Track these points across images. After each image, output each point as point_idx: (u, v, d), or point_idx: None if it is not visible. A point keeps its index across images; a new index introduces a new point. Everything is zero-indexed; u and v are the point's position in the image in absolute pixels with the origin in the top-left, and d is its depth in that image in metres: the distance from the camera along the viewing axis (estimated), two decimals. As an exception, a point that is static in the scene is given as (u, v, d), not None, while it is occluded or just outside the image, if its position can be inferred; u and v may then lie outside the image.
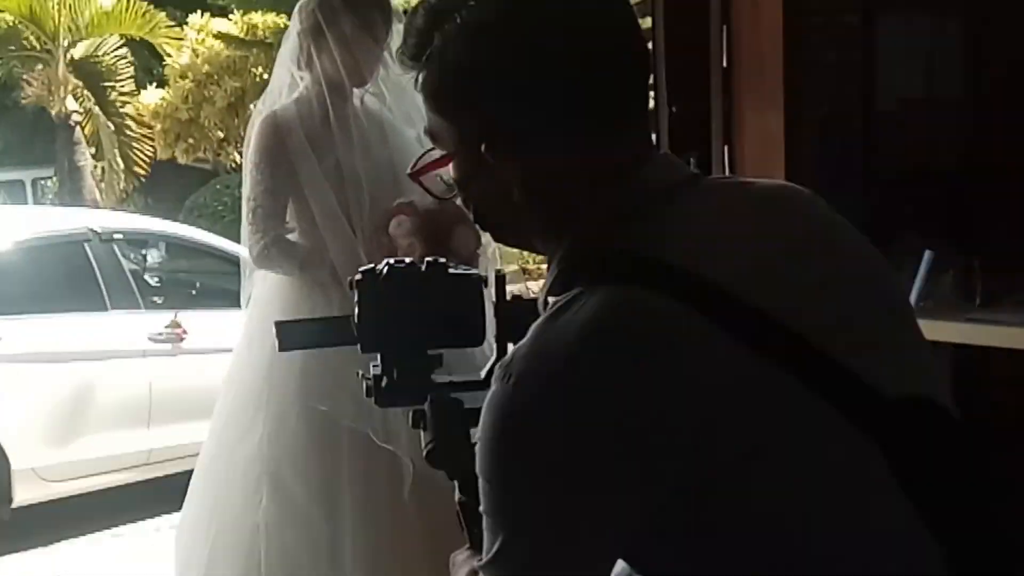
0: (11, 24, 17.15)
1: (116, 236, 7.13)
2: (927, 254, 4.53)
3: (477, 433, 1.23)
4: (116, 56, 17.37)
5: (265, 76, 16.10)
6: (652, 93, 5.14)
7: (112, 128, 17.17)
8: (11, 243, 6.72)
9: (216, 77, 16.87)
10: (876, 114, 4.95)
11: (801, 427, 1.17)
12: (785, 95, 4.59)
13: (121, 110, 17.31)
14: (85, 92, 17.22)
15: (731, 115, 4.75)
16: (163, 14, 17.24)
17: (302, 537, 3.20)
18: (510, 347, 1.24)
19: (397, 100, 3.38)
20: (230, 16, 17.06)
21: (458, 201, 3.15)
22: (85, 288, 6.81)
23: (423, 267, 1.60)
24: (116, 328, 6.80)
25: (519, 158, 1.27)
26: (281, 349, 1.98)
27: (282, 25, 15.69)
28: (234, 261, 7.07)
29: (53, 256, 6.86)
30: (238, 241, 6.75)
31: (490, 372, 1.33)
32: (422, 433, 1.54)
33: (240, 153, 16.61)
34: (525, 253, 12.93)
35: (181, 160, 17.62)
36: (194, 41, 17.10)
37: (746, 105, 4.73)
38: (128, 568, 6.08)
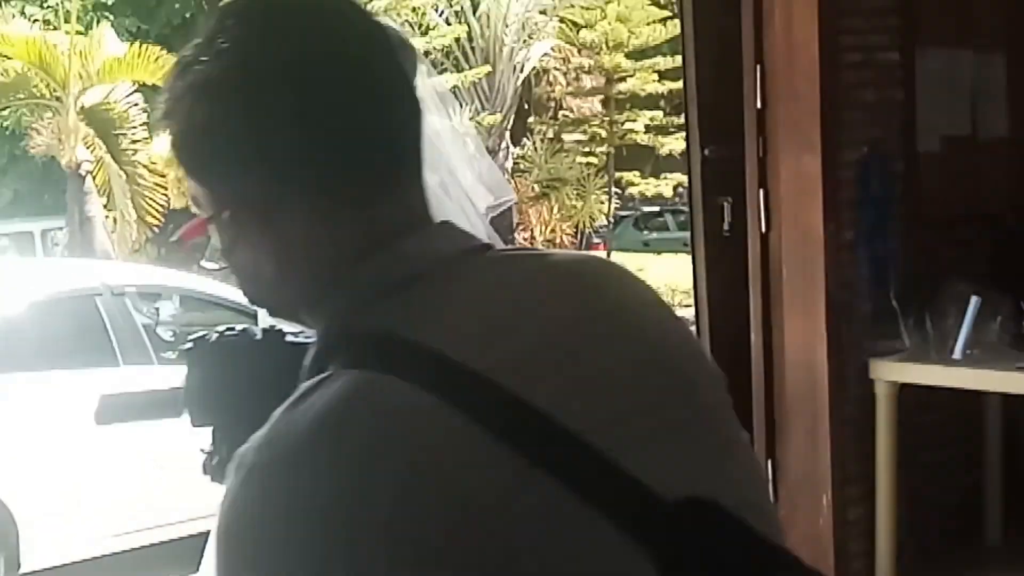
0: (20, 71, 17.14)
1: (128, 289, 7.05)
2: (973, 300, 4.44)
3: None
4: (128, 103, 17.37)
5: (279, 123, 16.12)
6: (685, 135, 5.07)
7: (124, 177, 17.13)
8: (21, 298, 6.64)
9: (230, 124, 16.88)
10: (917, 155, 4.87)
11: (564, 535, 1.04)
12: (822, 136, 4.55)
13: (133, 158, 17.29)
14: (96, 140, 17.19)
15: (766, 158, 4.70)
16: (175, 59, 17.23)
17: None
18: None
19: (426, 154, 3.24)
20: (244, 62, 17.08)
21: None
22: (96, 343, 6.73)
23: (258, 334, 1.49)
24: (128, 383, 6.66)
25: (266, 227, 1.17)
26: (98, 422, 1.83)
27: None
28: (249, 314, 6.99)
29: (63, 311, 6.78)
30: (253, 293, 6.76)
31: None
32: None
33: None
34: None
35: (195, 209, 17.57)
36: (207, 87, 17.12)
37: (781, 147, 4.67)
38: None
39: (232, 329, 1.52)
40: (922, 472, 4.70)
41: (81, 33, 17.61)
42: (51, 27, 18.47)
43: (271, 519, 1.05)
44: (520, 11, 18.36)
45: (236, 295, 7.73)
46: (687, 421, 1.15)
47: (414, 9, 16.65)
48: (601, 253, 19.04)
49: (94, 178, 17.18)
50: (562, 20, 19.09)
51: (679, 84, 13.33)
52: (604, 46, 18.43)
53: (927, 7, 4.81)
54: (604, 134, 19.05)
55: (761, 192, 4.68)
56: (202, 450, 1.51)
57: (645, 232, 24.63)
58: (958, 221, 4.88)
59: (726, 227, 4.84)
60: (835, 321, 4.57)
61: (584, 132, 19.54)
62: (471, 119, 13.28)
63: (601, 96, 19.71)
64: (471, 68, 17.40)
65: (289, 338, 1.49)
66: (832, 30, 4.53)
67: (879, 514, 4.59)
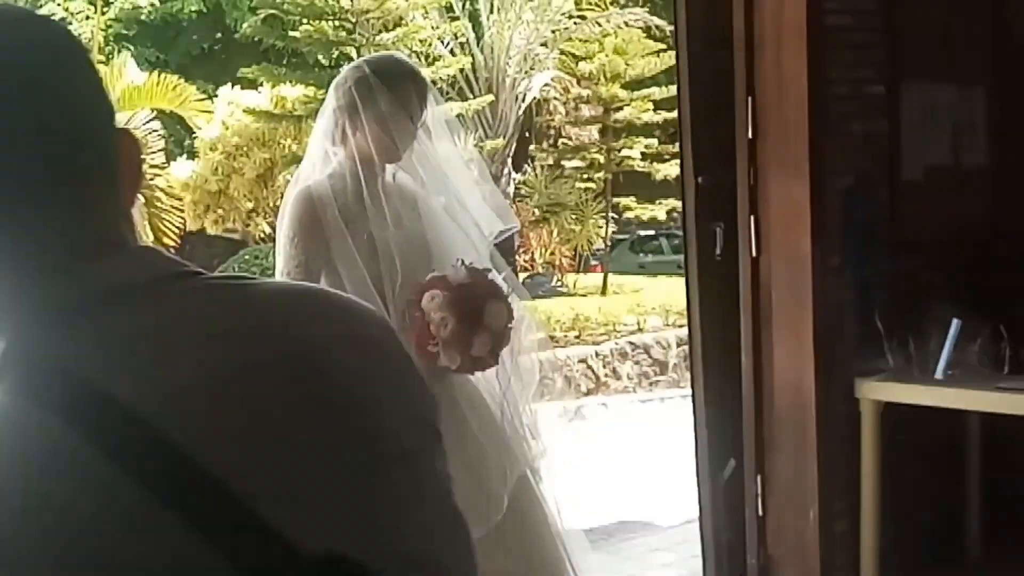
0: (42, 99, 17.22)
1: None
2: (955, 323, 4.51)
3: None
4: (147, 129, 17.47)
5: (294, 148, 16.22)
6: (679, 163, 5.15)
7: (142, 200, 17.21)
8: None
9: (245, 149, 16.93)
10: (902, 183, 4.94)
11: None
12: (811, 165, 4.63)
13: (151, 182, 17.37)
14: (117, 166, 17.24)
15: (757, 185, 4.76)
16: (193, 87, 17.34)
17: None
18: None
19: (429, 175, 3.40)
20: (259, 89, 17.18)
21: (491, 276, 3.20)
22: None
23: None
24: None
25: None
26: None
27: (311, 97, 15.80)
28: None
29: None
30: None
31: None
32: None
33: (269, 224, 16.68)
34: (552, 322, 13.14)
35: (211, 231, 17.71)
36: (224, 114, 17.19)
37: (772, 175, 4.74)
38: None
39: None
40: (905, 488, 4.74)
41: (103, 63, 17.76)
42: (74, 56, 18.60)
43: None
44: (522, 43, 18.48)
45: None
46: (351, 472, 1.08)
47: (421, 41, 16.79)
48: (599, 275, 19.12)
49: (114, 201, 17.24)
50: (562, 52, 19.18)
51: (673, 113, 13.42)
52: (602, 77, 18.54)
53: (911, 42, 4.89)
54: (602, 161, 19.13)
55: (752, 218, 4.75)
56: None
57: (641, 255, 24.64)
58: (940, 247, 4.95)
59: (718, 251, 4.89)
60: (822, 342, 4.63)
61: (583, 159, 19.64)
62: (475, 146, 13.39)
63: (599, 124, 19.79)
64: (475, 97, 17.52)
65: None
66: (820, 64, 4.61)
67: (863, 528, 4.65)
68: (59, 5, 20.48)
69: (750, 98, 4.74)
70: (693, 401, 5.11)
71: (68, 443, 1.00)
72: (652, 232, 24.62)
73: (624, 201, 20.12)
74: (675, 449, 7.65)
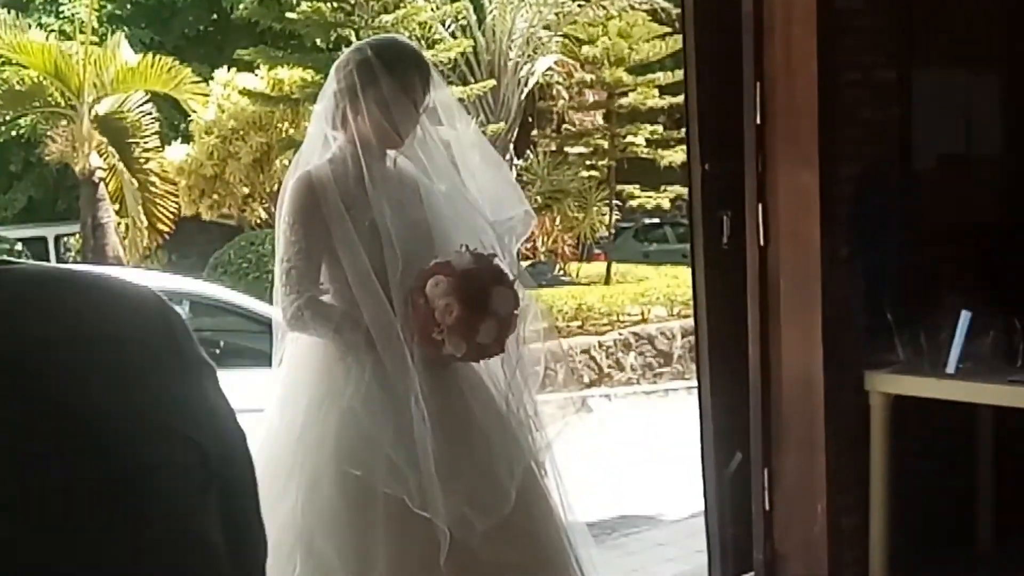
0: (35, 80, 17.20)
1: (138, 295, 7.04)
2: (964, 315, 4.46)
3: None
4: (141, 112, 17.40)
5: (291, 132, 16.16)
6: (686, 149, 5.09)
7: (136, 184, 17.17)
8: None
9: (242, 133, 16.85)
10: (913, 172, 4.90)
11: None
12: (820, 152, 4.57)
13: (145, 166, 17.32)
14: (109, 148, 17.22)
15: (765, 173, 4.71)
16: (189, 70, 17.23)
17: (336, 605, 3.12)
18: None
19: (432, 160, 3.33)
20: (256, 72, 17.08)
21: (496, 262, 3.14)
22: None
23: None
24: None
25: None
26: None
27: (308, 80, 15.72)
28: (259, 320, 7.02)
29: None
30: (263, 299, 6.79)
31: None
32: None
33: (265, 209, 16.69)
34: (555, 311, 13.09)
35: (206, 216, 17.62)
36: (220, 97, 17.09)
37: (780, 163, 4.69)
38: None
39: None
40: (915, 482, 4.71)
41: (96, 43, 17.69)
42: (66, 37, 18.55)
43: None
44: (524, 26, 18.41)
45: (245, 300, 7.81)
46: (77, 491, 0.99)
47: (421, 24, 16.71)
48: (602, 264, 19.07)
49: (107, 185, 17.22)
50: (565, 36, 19.12)
51: (679, 98, 13.40)
52: (606, 61, 18.47)
53: (923, 27, 4.84)
54: (606, 147, 19.07)
55: (760, 206, 4.69)
56: None
57: (645, 244, 24.63)
58: (952, 237, 4.90)
59: (725, 240, 4.86)
60: (831, 334, 4.59)
61: (586, 145, 19.56)
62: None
63: (603, 110, 19.75)
64: (476, 81, 17.46)
65: None
66: (831, 49, 4.55)
67: (872, 523, 4.62)
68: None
69: (758, 83, 4.68)
70: (699, 393, 5.08)
71: None
72: (657, 220, 24.57)
73: (628, 188, 20.07)
74: (680, 442, 7.64)
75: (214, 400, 1.16)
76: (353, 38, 15.65)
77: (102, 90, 16.95)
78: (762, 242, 4.71)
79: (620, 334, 13.76)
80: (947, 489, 4.96)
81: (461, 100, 15.10)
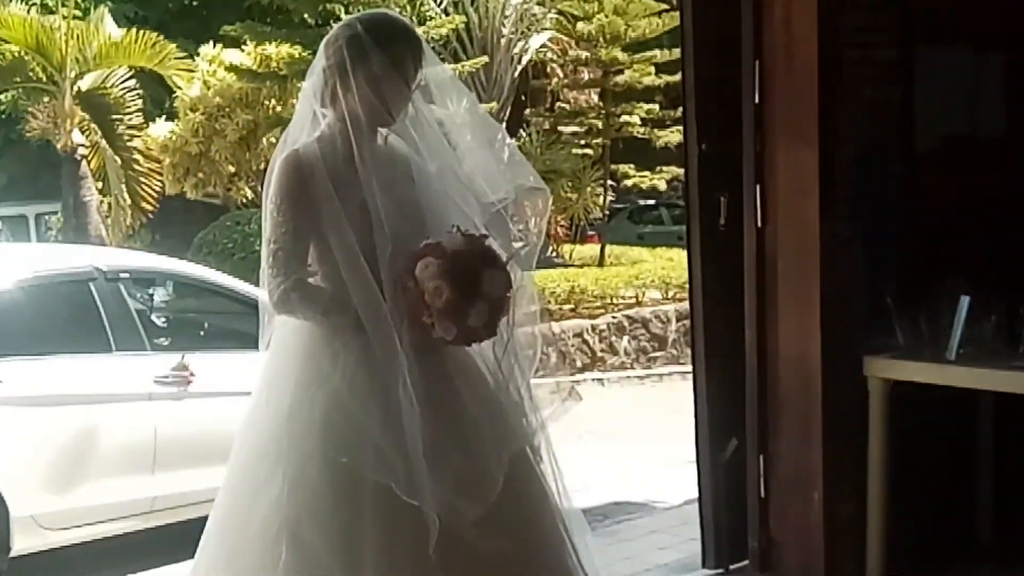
0: (17, 55, 17.07)
1: (122, 275, 6.98)
2: (964, 300, 4.42)
3: None
4: (124, 88, 17.29)
5: (278, 109, 16.05)
6: (683, 129, 5.04)
7: (119, 162, 17.08)
8: (13, 282, 6.57)
9: (228, 110, 16.72)
10: (915, 153, 4.85)
11: None
12: (820, 133, 4.54)
13: (129, 144, 17.21)
14: (92, 125, 17.14)
15: (763, 154, 4.69)
16: (174, 45, 17.09)
17: (323, 592, 3.09)
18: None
19: (424, 139, 3.25)
20: (243, 47, 16.96)
21: (488, 243, 3.06)
22: (89, 328, 6.66)
23: None
24: (121, 370, 6.64)
25: None
26: None
27: (296, 56, 15.59)
28: (244, 301, 6.97)
29: (57, 295, 6.72)
30: (248, 280, 6.73)
31: None
32: None
33: (252, 188, 16.56)
34: (548, 294, 13.04)
35: (190, 195, 17.50)
36: (205, 73, 16.97)
37: (779, 143, 4.66)
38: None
39: None
40: (914, 470, 4.67)
41: (79, 18, 17.55)
42: (48, 11, 18.42)
43: None
44: (518, 3, 18.33)
45: (230, 281, 7.76)
46: None
47: (411, 0, 16.60)
48: (596, 246, 19.01)
49: (89, 163, 17.12)
50: (560, 12, 19.04)
51: (676, 77, 13.27)
52: (601, 38, 18.36)
53: (926, 5, 4.78)
54: (600, 126, 18.97)
55: (758, 187, 4.67)
56: None
57: (640, 225, 24.59)
58: (954, 220, 4.85)
59: (722, 222, 4.83)
60: (830, 317, 4.56)
61: (580, 124, 19.46)
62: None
63: (598, 88, 19.66)
64: (468, 58, 17.36)
65: None
66: (831, 27, 4.51)
67: (870, 511, 4.58)
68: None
69: (757, 62, 4.67)
70: (694, 378, 5.05)
71: None
72: (652, 201, 24.55)
73: (623, 168, 20.01)
74: (674, 427, 7.61)
75: None
76: (342, 13, 15.53)
77: (85, 65, 16.83)
78: (760, 224, 4.68)
79: (614, 317, 13.71)
80: (947, 476, 4.94)
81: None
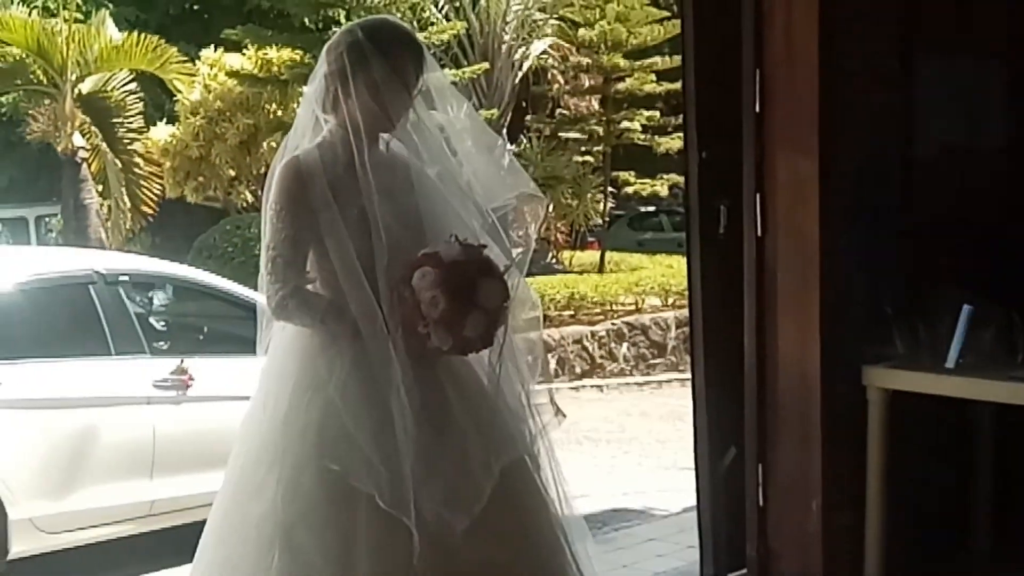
0: (18, 58, 17.06)
1: (122, 278, 6.98)
2: (966, 309, 4.41)
3: None
4: (125, 91, 17.28)
5: (279, 113, 16.04)
6: (683, 136, 5.04)
7: (119, 165, 17.07)
8: (12, 284, 6.57)
9: (228, 114, 16.70)
10: (914, 162, 4.84)
11: None
12: (820, 142, 4.52)
13: (129, 147, 17.20)
14: (92, 128, 17.12)
15: (763, 161, 4.67)
16: (175, 49, 17.07)
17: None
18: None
19: (425, 143, 3.25)
20: (244, 52, 16.95)
21: (486, 252, 3.06)
22: (89, 332, 6.66)
23: None
24: (120, 374, 6.64)
25: None
26: None
27: (297, 61, 15.59)
28: (243, 306, 6.96)
29: (56, 298, 6.71)
30: (248, 284, 6.72)
31: None
32: None
33: (252, 192, 16.56)
34: (547, 300, 13.03)
35: (190, 199, 17.47)
36: (206, 77, 16.95)
37: (779, 152, 4.65)
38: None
39: None
40: (912, 479, 4.66)
41: (80, 20, 17.54)
42: (50, 14, 18.41)
43: None
44: (519, 8, 18.32)
45: (229, 285, 7.76)
46: None
47: (412, 5, 16.59)
48: (596, 252, 19.00)
49: (90, 166, 17.11)
50: (561, 18, 19.04)
51: (677, 84, 13.26)
52: (602, 45, 18.37)
53: (927, 13, 4.77)
54: (601, 133, 18.98)
55: (757, 196, 4.65)
56: None
57: (640, 232, 24.58)
58: (954, 229, 4.84)
59: (721, 230, 4.82)
60: (828, 326, 4.54)
61: (581, 131, 19.47)
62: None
63: (599, 95, 19.66)
64: (469, 64, 17.36)
65: None
66: (832, 35, 4.50)
67: (868, 520, 4.56)
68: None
69: (758, 70, 4.65)
70: (693, 385, 5.05)
71: None
72: (652, 208, 24.54)
73: (623, 175, 20.00)
74: (673, 434, 7.60)
75: None
76: (343, 18, 15.54)
77: (86, 68, 16.82)
78: (759, 232, 4.67)
79: (613, 324, 13.71)
80: (945, 486, 4.92)
81: (454, 83, 15.04)
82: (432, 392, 3.11)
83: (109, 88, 17.16)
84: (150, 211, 17.46)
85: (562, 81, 20.41)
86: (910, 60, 4.79)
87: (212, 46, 17.37)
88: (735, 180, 4.72)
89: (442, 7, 18.23)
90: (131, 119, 17.27)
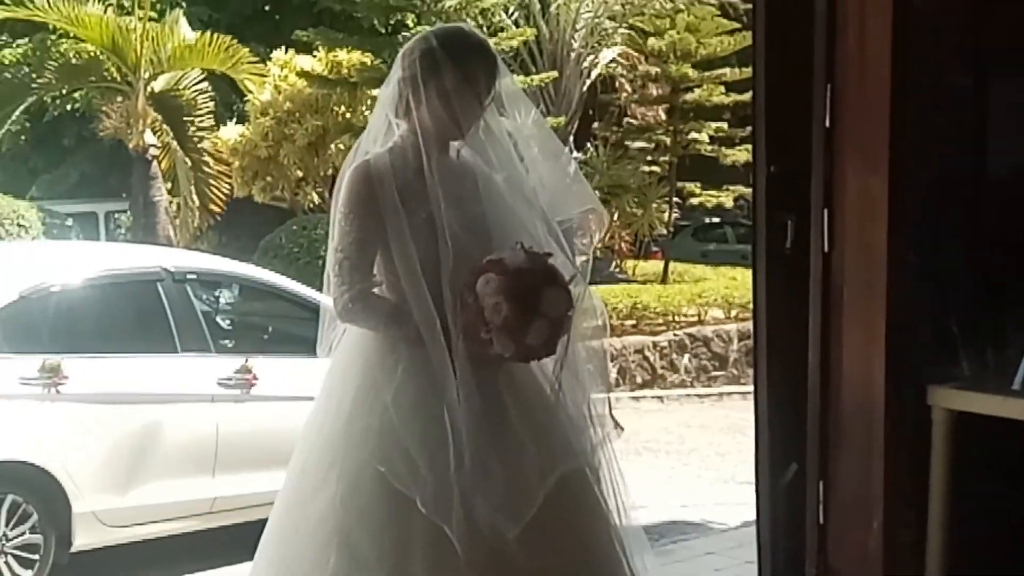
0: (92, 55, 17.29)
1: (189, 276, 7.06)
2: None
3: None
4: (196, 90, 17.44)
5: (348, 115, 16.11)
6: (751, 149, 5.01)
7: (189, 164, 17.23)
8: (82, 280, 6.65)
9: (298, 115, 16.79)
10: (987, 180, 4.77)
11: None
12: (890, 158, 4.47)
13: (199, 145, 17.35)
14: (164, 126, 17.30)
15: (832, 177, 4.62)
16: (246, 49, 17.22)
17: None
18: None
19: (495, 150, 3.27)
20: (314, 53, 17.06)
21: (552, 260, 3.06)
22: (156, 329, 6.75)
23: None
24: (185, 371, 6.71)
25: None
26: None
27: (367, 64, 15.65)
28: (308, 306, 7.02)
29: (125, 294, 6.80)
30: (313, 285, 6.76)
31: None
32: None
33: (319, 194, 16.69)
34: (610, 309, 12.99)
35: (258, 199, 17.60)
36: (277, 77, 17.07)
37: (848, 167, 4.60)
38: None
39: None
40: (976, 501, 4.57)
41: (154, 19, 17.73)
42: (124, 12, 18.62)
43: None
44: (589, 16, 18.30)
45: (295, 286, 7.84)
46: None
47: (483, 10, 16.62)
48: (659, 262, 18.93)
49: (160, 163, 17.29)
50: (631, 27, 19.01)
51: (745, 96, 13.18)
52: (672, 55, 18.32)
53: (1001, 31, 4.69)
54: (668, 143, 18.93)
55: (825, 211, 4.60)
56: None
57: (704, 243, 24.48)
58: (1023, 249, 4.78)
59: (788, 244, 4.76)
60: (894, 344, 4.48)
61: (648, 140, 19.43)
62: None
63: (666, 105, 19.60)
64: (538, 71, 17.36)
65: None
66: (905, 51, 4.44)
67: (930, 540, 4.50)
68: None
69: (829, 84, 4.60)
70: (755, 399, 5.00)
71: None
72: (717, 219, 24.43)
73: (689, 186, 19.93)
74: (733, 448, 7.54)
75: None
76: (412, 22, 15.59)
77: (158, 67, 16.99)
78: (826, 248, 4.62)
79: (675, 335, 13.67)
80: (1010, 509, 4.83)
81: (523, 90, 15.03)
82: (491, 399, 3.12)
83: (181, 87, 17.33)
84: (218, 210, 17.60)
85: (630, 90, 20.36)
86: (983, 76, 4.73)
87: (283, 47, 17.49)
88: (803, 194, 4.68)
89: (512, 13, 18.24)
90: (201, 118, 17.42)
